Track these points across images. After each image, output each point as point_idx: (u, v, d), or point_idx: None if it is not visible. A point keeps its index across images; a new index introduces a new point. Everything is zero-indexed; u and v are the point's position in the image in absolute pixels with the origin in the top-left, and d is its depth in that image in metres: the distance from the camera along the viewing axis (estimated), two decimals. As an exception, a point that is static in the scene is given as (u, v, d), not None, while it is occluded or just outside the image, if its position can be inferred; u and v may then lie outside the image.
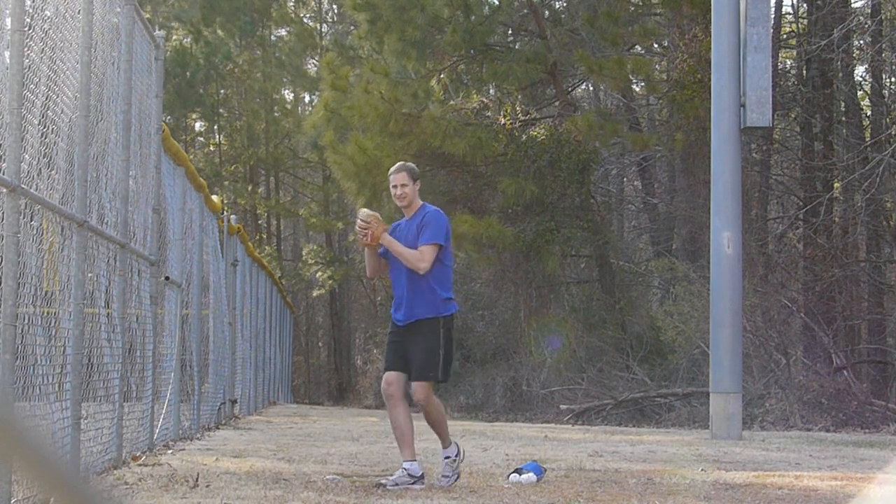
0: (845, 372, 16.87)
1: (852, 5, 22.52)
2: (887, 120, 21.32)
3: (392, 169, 7.14)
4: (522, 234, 20.17)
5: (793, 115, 22.49)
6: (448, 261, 6.99)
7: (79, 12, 6.57)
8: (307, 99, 40.67)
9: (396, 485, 6.64)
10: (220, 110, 37.99)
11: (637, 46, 23.49)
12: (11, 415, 1.30)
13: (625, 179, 28.84)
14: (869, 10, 21.86)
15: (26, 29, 5.43)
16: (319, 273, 36.16)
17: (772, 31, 14.67)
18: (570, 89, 24.88)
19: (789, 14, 25.57)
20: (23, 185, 5.28)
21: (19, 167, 5.23)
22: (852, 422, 15.45)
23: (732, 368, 12.32)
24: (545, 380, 20.53)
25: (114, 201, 7.63)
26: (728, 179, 12.53)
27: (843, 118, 22.09)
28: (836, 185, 21.49)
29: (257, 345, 19.79)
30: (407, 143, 20.62)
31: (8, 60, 5.29)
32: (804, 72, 22.00)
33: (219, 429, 12.93)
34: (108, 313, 7.55)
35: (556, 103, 22.55)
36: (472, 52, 21.40)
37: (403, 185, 6.99)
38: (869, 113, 22.71)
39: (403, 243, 6.89)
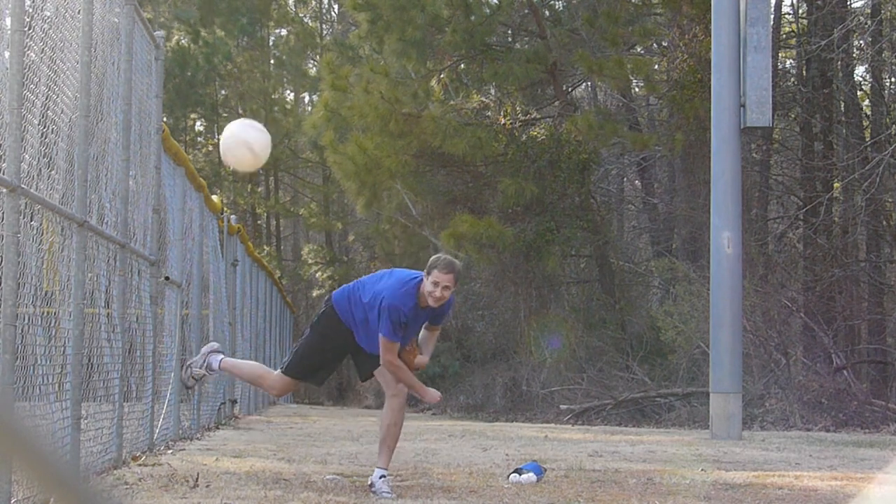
0: (845, 372, 16.87)
1: (852, 5, 22.53)
2: (887, 120, 21.32)
3: (442, 263, 6.31)
4: (522, 234, 20.17)
5: (793, 115, 22.49)
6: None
7: (79, 12, 6.56)
8: (307, 99, 40.69)
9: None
10: (220, 110, 37.99)
11: (637, 46, 23.48)
12: (11, 415, 1.30)
13: (625, 179, 28.83)
14: (869, 10, 21.86)
15: (26, 29, 5.43)
16: (319, 273, 36.16)
17: (772, 31, 14.67)
18: (570, 89, 24.87)
19: (789, 14, 25.57)
20: (23, 185, 5.28)
21: (19, 167, 5.23)
22: (852, 422, 15.45)
23: (732, 368, 12.32)
24: (545, 380, 20.53)
25: (114, 201, 7.62)
26: (728, 179, 12.53)
27: (843, 118, 22.09)
28: (836, 185, 21.49)
29: (257, 345, 19.79)
30: (407, 143, 20.62)
31: (8, 60, 5.28)
32: (804, 72, 22.00)
33: (219, 429, 12.93)
34: (108, 313, 7.54)
35: (556, 103, 22.54)
36: (472, 52, 21.40)
37: (447, 289, 6.32)
38: (869, 113, 22.70)
39: (417, 325, 6.55)
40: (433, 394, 6.56)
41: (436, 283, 6.26)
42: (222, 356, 7.04)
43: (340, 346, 6.70)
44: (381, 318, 6.35)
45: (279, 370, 6.85)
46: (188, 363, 7.07)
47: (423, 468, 7.98)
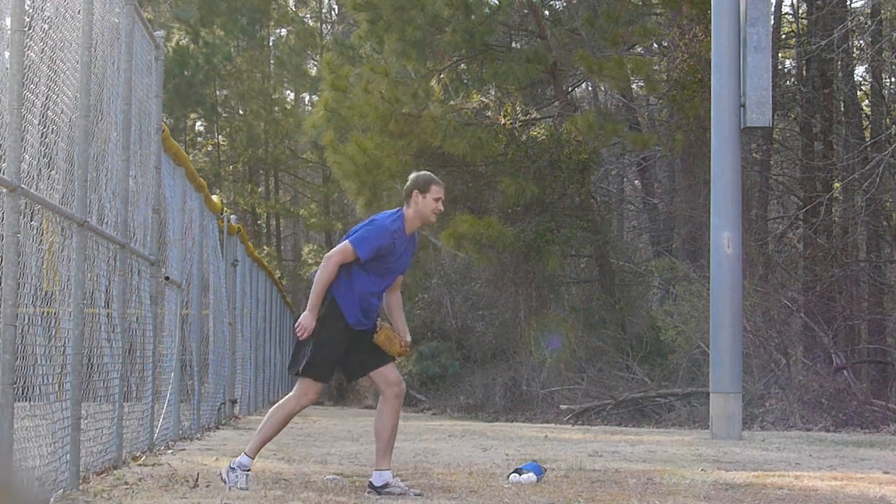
0: (845, 372, 16.86)
1: (852, 5, 22.53)
2: (887, 120, 21.32)
3: (436, 179, 6.52)
4: (522, 234, 20.16)
5: (793, 115, 22.48)
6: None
7: (79, 12, 6.56)
8: (307, 99, 40.70)
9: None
10: (220, 110, 37.99)
11: (637, 46, 23.48)
12: None
13: (625, 179, 28.83)
14: (869, 10, 21.86)
15: (26, 29, 5.43)
16: (319, 273, 36.14)
17: (772, 31, 14.67)
18: (570, 89, 24.87)
19: (789, 14, 25.58)
20: (23, 185, 5.28)
21: (19, 167, 5.23)
22: (852, 422, 15.45)
23: (732, 368, 12.32)
24: (545, 380, 20.53)
25: (114, 201, 7.62)
26: (728, 179, 12.53)
27: (843, 118, 22.09)
28: (836, 185, 21.49)
29: (257, 345, 19.80)
30: (407, 143, 20.62)
31: (8, 60, 5.28)
32: (804, 72, 22.00)
33: (219, 429, 12.94)
34: (108, 313, 7.54)
35: (556, 103, 22.54)
36: (472, 52, 21.39)
37: (443, 202, 6.54)
38: (869, 113, 22.71)
39: (404, 257, 6.54)
40: (308, 320, 6.30)
41: (437, 199, 6.45)
42: (240, 458, 6.50)
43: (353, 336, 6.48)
44: (360, 228, 6.40)
45: (305, 378, 6.51)
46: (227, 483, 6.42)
47: (423, 468, 7.98)
